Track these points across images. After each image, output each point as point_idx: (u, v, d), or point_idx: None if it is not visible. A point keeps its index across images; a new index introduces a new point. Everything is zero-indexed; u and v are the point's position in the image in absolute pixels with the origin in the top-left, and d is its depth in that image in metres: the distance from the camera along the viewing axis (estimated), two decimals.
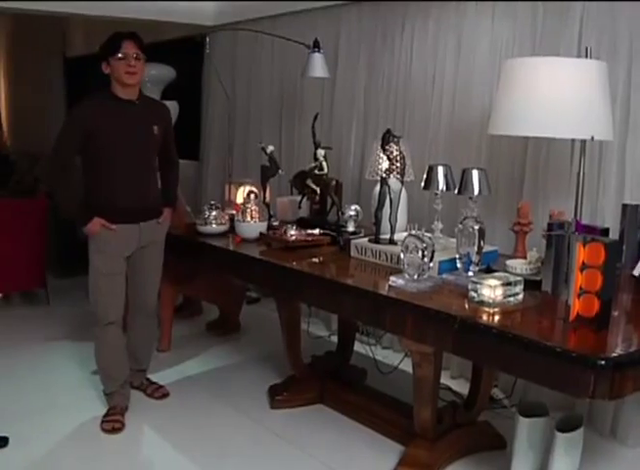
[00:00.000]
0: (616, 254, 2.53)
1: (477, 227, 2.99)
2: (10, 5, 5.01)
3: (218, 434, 3.60)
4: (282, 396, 3.86)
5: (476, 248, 2.99)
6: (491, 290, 2.71)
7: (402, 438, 3.38)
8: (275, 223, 4.06)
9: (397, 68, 4.52)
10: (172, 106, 5.18)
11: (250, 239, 3.91)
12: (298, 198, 4.20)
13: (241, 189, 4.51)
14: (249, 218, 3.93)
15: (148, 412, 3.77)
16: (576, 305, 2.51)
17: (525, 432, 3.03)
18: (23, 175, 8.04)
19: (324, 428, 3.63)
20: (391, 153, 3.44)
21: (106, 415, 3.63)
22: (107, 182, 3.50)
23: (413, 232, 3.00)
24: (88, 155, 3.51)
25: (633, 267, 2.97)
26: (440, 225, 3.46)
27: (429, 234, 3.06)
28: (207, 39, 5.33)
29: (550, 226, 3.07)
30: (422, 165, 3.80)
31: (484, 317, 2.65)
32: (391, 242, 3.43)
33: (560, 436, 2.90)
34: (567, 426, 2.93)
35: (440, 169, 3.42)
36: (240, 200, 4.36)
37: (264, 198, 4.15)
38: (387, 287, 3.02)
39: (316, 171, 4.00)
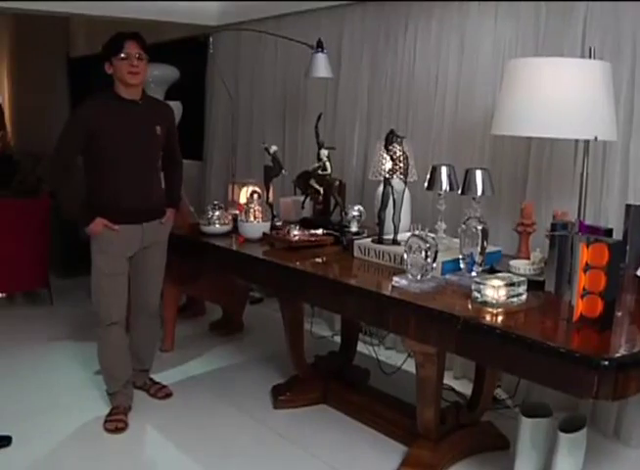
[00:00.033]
0: (619, 254, 2.53)
1: (480, 228, 2.99)
2: (10, 5, 5.01)
3: (221, 434, 3.60)
4: (285, 396, 3.86)
5: (479, 248, 2.99)
6: (495, 290, 2.71)
7: (405, 438, 3.38)
8: (278, 223, 4.06)
9: (400, 68, 4.52)
10: (176, 106, 5.19)
11: (253, 239, 3.91)
12: (302, 198, 4.20)
13: (244, 189, 4.51)
14: (252, 218, 3.93)
15: (151, 412, 3.77)
16: (580, 306, 2.51)
17: (529, 432, 3.02)
18: (27, 175, 8.05)
19: (327, 428, 3.63)
20: (395, 153, 3.44)
21: (109, 415, 3.64)
22: (109, 182, 3.50)
23: (416, 232, 3.00)
24: (91, 155, 3.51)
25: (637, 268, 2.96)
26: (444, 226, 3.46)
27: (432, 234, 3.05)
28: (211, 39, 5.32)
29: (553, 227, 3.06)
30: (425, 166, 3.79)
31: (488, 318, 2.65)
32: (395, 242, 3.43)
33: (563, 436, 2.89)
34: (570, 426, 2.93)
35: (444, 170, 3.42)
36: (243, 200, 4.37)
37: (267, 198, 4.16)
38: (390, 287, 3.02)
39: (319, 172, 4.00)
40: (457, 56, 4.17)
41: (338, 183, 4.05)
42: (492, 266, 3.16)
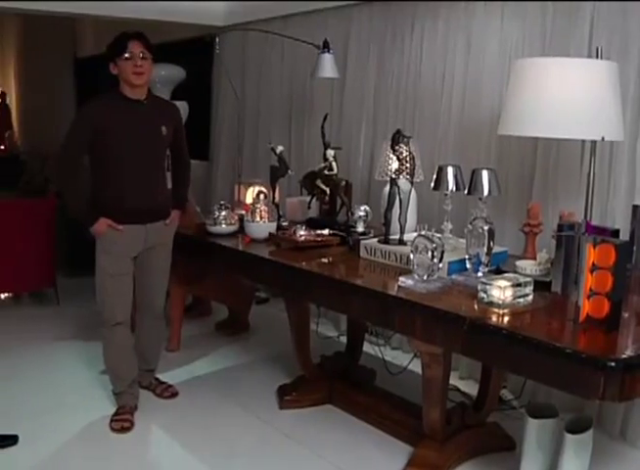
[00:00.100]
0: (626, 255, 2.52)
1: (486, 228, 2.98)
2: (17, 5, 5.03)
3: (227, 434, 3.60)
4: (291, 396, 3.86)
5: (485, 248, 2.98)
6: (501, 291, 2.71)
7: (411, 438, 3.37)
8: (284, 223, 4.06)
9: (407, 68, 4.52)
10: (182, 106, 5.20)
11: (259, 239, 3.91)
12: (308, 198, 4.20)
13: (250, 189, 4.51)
14: (258, 219, 3.93)
15: (157, 412, 3.78)
16: (586, 307, 2.50)
17: (535, 433, 3.02)
18: (33, 175, 8.08)
19: (333, 428, 3.63)
20: (401, 153, 3.44)
21: (115, 414, 3.64)
22: (114, 182, 3.51)
23: (422, 233, 3.00)
24: (96, 154, 3.52)
25: None
26: (450, 226, 3.46)
27: (438, 235, 3.05)
28: (217, 39, 5.33)
29: (560, 227, 3.06)
30: (431, 166, 3.80)
31: (494, 318, 2.64)
32: (401, 242, 3.43)
33: (569, 437, 2.89)
34: (576, 427, 2.92)
35: (450, 170, 3.41)
36: (249, 200, 4.37)
37: (274, 198, 4.16)
38: (396, 287, 3.02)
39: (326, 172, 4.00)
40: (463, 56, 4.16)
41: (344, 183, 4.04)
42: (499, 267, 3.16)
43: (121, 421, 3.59)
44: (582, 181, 3.47)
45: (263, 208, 3.95)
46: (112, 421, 3.60)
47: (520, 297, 2.75)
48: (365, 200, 4.56)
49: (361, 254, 3.53)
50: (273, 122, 5.70)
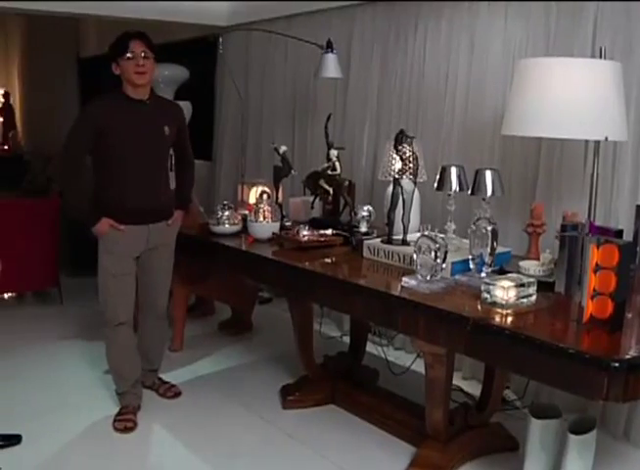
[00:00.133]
0: (630, 255, 2.52)
1: (490, 228, 2.98)
2: (20, 5, 5.04)
3: (230, 433, 3.60)
4: (294, 396, 3.86)
5: (489, 249, 2.98)
6: (504, 291, 2.71)
7: (414, 439, 3.37)
8: (288, 224, 4.06)
9: (410, 68, 4.51)
10: (185, 106, 5.21)
11: (262, 239, 3.91)
12: (311, 198, 4.20)
13: (253, 189, 4.52)
14: (261, 219, 3.93)
15: (160, 412, 3.78)
16: (590, 307, 2.50)
17: (538, 434, 3.02)
18: (37, 175, 8.07)
19: (336, 428, 3.63)
20: (404, 153, 3.44)
21: (118, 414, 3.65)
22: (116, 182, 3.51)
23: (426, 233, 3.00)
24: (98, 154, 3.52)
25: None
26: (453, 226, 3.46)
27: (441, 235, 3.05)
28: (221, 40, 5.33)
29: (563, 227, 3.06)
30: (435, 166, 3.79)
31: (497, 319, 2.64)
32: (404, 243, 3.42)
33: (573, 438, 2.88)
34: (580, 428, 2.92)
35: (453, 170, 3.41)
36: (252, 200, 4.37)
37: (277, 198, 4.16)
38: (399, 288, 3.02)
39: (329, 172, 4.00)
40: (467, 56, 4.16)
41: (347, 183, 4.05)
42: (502, 267, 3.16)
43: (125, 421, 3.59)
44: (586, 181, 3.47)
45: (266, 208, 3.95)
46: (115, 421, 3.61)
47: (523, 297, 2.75)
48: (368, 200, 4.56)
49: (364, 254, 3.53)
50: (276, 122, 5.70)
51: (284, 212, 4.16)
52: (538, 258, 3.21)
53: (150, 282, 3.74)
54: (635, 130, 3.40)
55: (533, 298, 2.77)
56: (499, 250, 3.10)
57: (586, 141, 3.48)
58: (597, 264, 2.48)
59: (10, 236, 5.16)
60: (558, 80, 3.03)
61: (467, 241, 3.12)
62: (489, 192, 3.10)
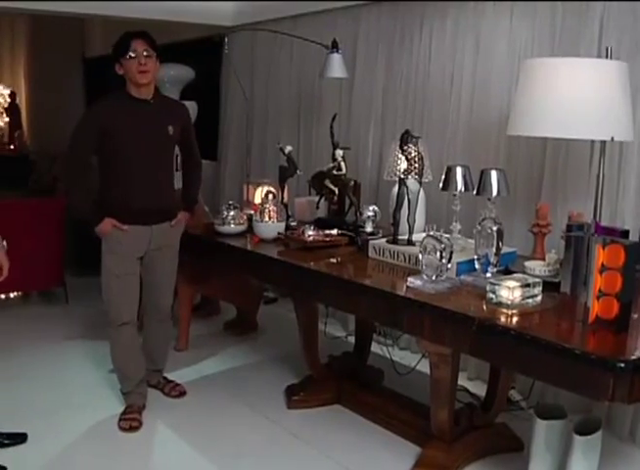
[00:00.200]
0: (636, 255, 2.50)
1: (495, 228, 2.97)
2: (26, 5, 5.05)
3: (235, 433, 3.60)
4: (299, 396, 3.86)
5: (494, 249, 2.98)
6: (510, 291, 2.70)
7: (419, 439, 3.37)
8: (293, 223, 4.06)
9: (416, 68, 4.51)
10: (191, 106, 5.20)
11: (267, 239, 3.91)
12: (316, 198, 4.20)
13: (259, 189, 4.51)
14: (267, 218, 3.93)
15: (165, 411, 3.78)
16: (595, 308, 2.49)
17: (543, 434, 3.01)
18: (42, 175, 8.10)
19: (341, 429, 3.63)
20: (410, 153, 3.44)
21: (123, 414, 3.65)
22: (120, 182, 3.51)
23: (431, 233, 3.00)
24: (102, 154, 3.53)
25: None
26: (459, 226, 3.45)
27: (447, 235, 3.05)
28: (226, 40, 5.33)
29: (569, 228, 3.05)
30: (440, 166, 3.79)
31: (503, 319, 2.64)
32: (409, 243, 3.42)
33: (578, 439, 2.88)
34: (585, 429, 2.91)
35: (459, 170, 3.41)
36: (258, 200, 4.37)
37: (282, 198, 4.16)
38: (404, 288, 3.01)
39: (334, 172, 4.00)
40: (472, 56, 4.16)
41: (352, 183, 4.04)
42: (507, 267, 3.15)
43: (130, 420, 3.60)
44: (591, 182, 3.46)
45: (272, 208, 3.95)
46: (120, 420, 3.61)
47: (528, 297, 2.74)
48: (374, 200, 4.55)
49: (370, 254, 3.53)
50: (282, 122, 5.70)
51: (289, 212, 4.16)
52: (544, 259, 3.21)
53: (153, 282, 3.74)
54: None
55: (539, 298, 2.77)
56: (504, 250, 3.09)
57: (592, 141, 3.47)
58: (603, 265, 2.47)
59: (15, 236, 5.12)
60: (564, 80, 3.02)
61: (472, 241, 3.11)
62: (495, 192, 3.09)
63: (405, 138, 3.45)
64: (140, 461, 3.37)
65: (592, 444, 2.90)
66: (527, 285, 2.75)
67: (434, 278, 2.96)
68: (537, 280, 2.80)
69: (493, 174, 3.11)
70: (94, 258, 3.64)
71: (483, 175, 3.13)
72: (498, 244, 2.98)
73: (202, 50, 6.61)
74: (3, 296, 5.70)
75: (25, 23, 10.44)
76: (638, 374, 2.24)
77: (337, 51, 4.44)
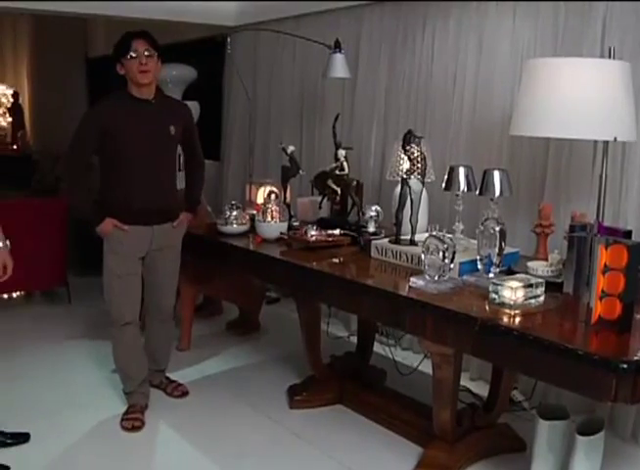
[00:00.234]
0: (638, 256, 2.50)
1: (498, 228, 2.97)
2: (28, 5, 5.05)
3: (237, 433, 3.60)
4: (301, 396, 3.86)
5: (497, 249, 2.98)
6: (512, 292, 2.70)
7: (421, 439, 3.37)
8: (295, 223, 4.06)
9: (418, 68, 4.51)
10: (193, 106, 5.21)
11: (270, 239, 3.91)
12: (319, 198, 4.20)
13: (261, 189, 4.52)
14: (269, 218, 3.93)
15: (167, 411, 3.78)
16: (598, 308, 2.49)
17: (546, 435, 3.01)
18: (45, 175, 8.11)
19: (343, 429, 3.63)
20: (412, 153, 3.44)
21: (125, 413, 3.65)
22: (120, 182, 3.51)
23: (434, 233, 3.00)
24: (103, 154, 3.53)
25: None
26: (461, 226, 3.45)
27: (449, 235, 3.05)
28: (229, 39, 5.34)
29: (572, 228, 3.05)
30: (443, 166, 3.78)
31: (505, 319, 2.64)
32: (412, 243, 3.42)
33: (580, 439, 2.88)
34: (587, 429, 2.91)
35: (461, 170, 3.41)
36: (260, 200, 4.37)
37: (285, 198, 4.16)
38: (407, 288, 3.01)
39: (337, 172, 4.00)
40: (475, 56, 4.15)
41: (355, 183, 4.04)
42: (510, 267, 3.15)
43: (132, 420, 3.60)
44: (594, 182, 3.45)
45: (274, 208, 3.95)
46: (122, 420, 3.61)
47: (531, 298, 2.74)
48: (376, 200, 4.55)
49: (372, 254, 3.53)
50: (284, 122, 5.70)
51: (292, 212, 4.16)
52: (546, 259, 3.20)
53: (155, 283, 3.74)
54: None
55: (541, 298, 2.77)
56: (507, 250, 3.09)
57: (595, 141, 3.47)
58: (605, 265, 2.47)
59: (18, 235, 5.12)
60: (566, 80, 3.02)
61: (475, 241, 3.11)
62: (497, 192, 3.09)
63: (408, 138, 3.45)
64: (142, 461, 3.37)
65: (595, 444, 2.90)
66: (530, 285, 2.75)
67: (436, 278, 2.96)
68: (540, 280, 2.80)
69: (496, 174, 3.11)
70: (97, 258, 3.64)
71: (486, 175, 3.13)
72: (501, 244, 2.98)
73: (204, 50, 6.61)
74: (6, 295, 5.71)
75: (28, 23, 10.45)
76: None
77: (339, 51, 4.44)
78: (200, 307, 5.15)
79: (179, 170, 3.86)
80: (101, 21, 8.12)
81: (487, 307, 2.75)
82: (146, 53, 3.42)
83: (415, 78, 4.54)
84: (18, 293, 5.86)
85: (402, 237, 3.48)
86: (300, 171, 4.14)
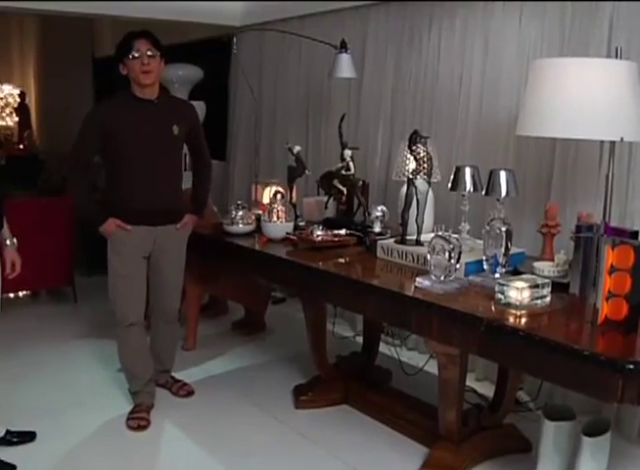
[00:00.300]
0: None
1: (504, 229, 2.97)
2: (34, 5, 5.06)
3: (243, 433, 3.61)
4: (307, 396, 3.86)
5: (503, 249, 2.97)
6: (518, 292, 2.70)
7: (427, 440, 3.37)
8: (301, 223, 4.06)
9: (424, 68, 4.51)
10: (199, 106, 5.21)
11: (276, 239, 3.92)
12: (325, 198, 4.20)
13: (267, 189, 4.52)
14: (275, 218, 3.93)
15: (173, 410, 3.79)
16: (605, 309, 2.49)
17: (552, 435, 3.00)
18: (51, 174, 8.13)
19: (348, 429, 3.63)
20: (418, 153, 3.43)
21: (131, 413, 3.66)
22: (123, 182, 3.51)
23: (440, 233, 2.99)
24: (107, 154, 3.54)
25: None
26: (467, 226, 3.45)
27: (455, 235, 3.04)
28: (235, 40, 5.34)
29: (578, 228, 3.04)
30: (449, 166, 3.78)
31: (511, 320, 2.63)
32: (418, 243, 3.42)
33: (586, 440, 2.87)
34: (593, 430, 2.91)
35: (468, 170, 3.40)
36: (266, 200, 4.37)
37: (291, 198, 4.16)
38: (413, 288, 3.01)
39: (343, 172, 4.00)
40: (481, 56, 4.15)
41: (361, 183, 4.04)
42: (516, 268, 3.15)
43: (138, 419, 3.60)
44: (601, 182, 3.45)
45: (280, 207, 3.95)
46: (128, 419, 3.62)
47: (537, 298, 2.73)
48: (382, 200, 4.55)
49: (378, 254, 3.53)
50: (290, 122, 5.70)
51: (298, 212, 4.16)
52: (553, 259, 3.20)
53: (160, 284, 3.74)
54: None
55: (548, 299, 2.76)
56: (513, 250, 3.09)
57: (601, 141, 3.46)
58: (612, 266, 2.46)
59: (25, 235, 5.14)
60: (573, 81, 3.01)
61: (481, 241, 3.11)
62: (504, 192, 3.09)
63: (414, 138, 3.44)
64: (148, 460, 3.38)
65: (601, 445, 2.90)
66: (536, 286, 2.74)
67: (442, 278, 2.95)
68: (546, 281, 2.79)
69: (502, 175, 3.10)
70: (103, 258, 3.64)
71: (492, 176, 3.12)
72: (507, 244, 2.97)
73: (210, 50, 6.62)
74: (12, 295, 5.71)
75: (35, 24, 10.48)
76: None
77: (345, 51, 4.43)
78: (205, 307, 5.15)
79: (185, 170, 3.86)
80: (107, 21, 8.14)
81: (493, 308, 2.74)
82: (148, 53, 3.42)
83: (421, 78, 4.53)
84: (24, 292, 5.88)
85: (408, 237, 3.47)
86: (306, 171, 4.14)
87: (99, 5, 5.22)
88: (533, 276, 2.88)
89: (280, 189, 4.20)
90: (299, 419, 3.73)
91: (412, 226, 3.46)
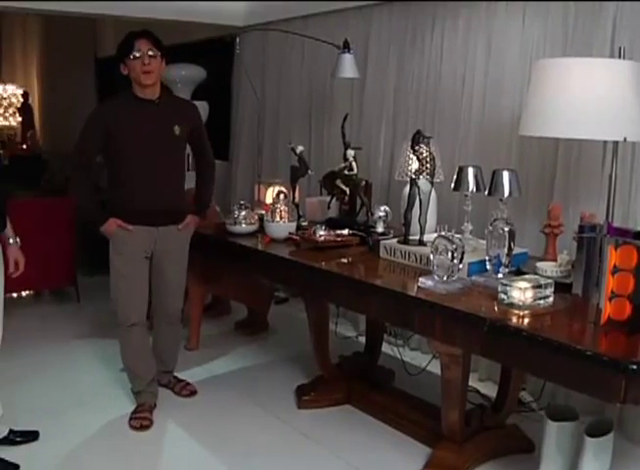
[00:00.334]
0: None
1: (507, 229, 2.97)
2: (37, 5, 5.07)
3: (245, 433, 3.61)
4: (309, 396, 3.86)
5: (506, 249, 2.97)
6: (521, 292, 2.70)
7: (429, 440, 3.37)
8: (304, 223, 4.07)
9: (427, 68, 4.50)
10: (202, 106, 5.22)
11: (279, 239, 3.92)
12: (328, 198, 4.20)
13: (270, 189, 4.52)
14: (278, 218, 3.93)
15: (176, 410, 3.79)
16: (608, 309, 2.48)
17: (554, 436, 3.00)
18: (54, 174, 8.14)
19: (351, 429, 3.63)
20: (421, 153, 3.43)
21: (134, 412, 3.66)
22: (124, 182, 3.51)
23: (443, 233, 2.99)
24: (108, 154, 3.54)
25: None
26: (470, 227, 3.45)
27: (458, 235, 3.05)
28: (238, 40, 5.34)
29: (581, 228, 3.03)
30: (452, 166, 3.78)
31: (514, 320, 2.63)
32: (421, 243, 3.42)
33: (589, 440, 2.87)
34: (596, 431, 2.90)
35: (470, 170, 3.40)
36: (269, 200, 4.38)
37: (293, 198, 4.16)
38: (415, 288, 3.01)
39: (346, 172, 4.00)
40: (484, 56, 4.15)
41: (364, 183, 4.04)
42: (519, 268, 3.15)
43: (140, 419, 3.61)
44: (604, 182, 3.44)
45: (283, 207, 3.95)
46: (131, 419, 3.62)
47: (540, 298, 2.73)
48: (385, 200, 4.55)
49: (381, 254, 3.53)
50: (293, 122, 5.70)
51: (300, 212, 4.16)
52: (556, 260, 3.20)
53: (162, 285, 3.73)
54: None
55: (550, 299, 2.76)
56: (516, 250, 3.09)
57: (604, 142, 3.45)
58: (615, 266, 2.46)
59: (28, 235, 5.14)
60: (576, 81, 3.01)
61: (484, 241, 3.11)
62: (506, 192, 3.09)
63: (417, 138, 3.44)
64: (150, 460, 3.38)
65: (603, 445, 2.89)
66: (539, 286, 2.74)
67: (445, 279, 2.95)
68: (549, 281, 2.79)
69: (505, 175, 3.10)
70: (105, 258, 3.65)
71: (495, 176, 3.12)
72: (510, 244, 2.97)
73: (213, 50, 6.62)
74: (15, 294, 5.72)
75: (38, 24, 10.50)
76: None
77: (348, 51, 4.43)
78: (208, 307, 5.15)
79: (188, 170, 3.85)
80: (110, 21, 8.15)
81: (496, 308, 2.74)
82: (149, 53, 3.42)
83: (424, 78, 4.53)
84: (27, 292, 5.89)
85: (411, 237, 3.47)
86: (309, 171, 4.15)
87: (101, 5, 5.22)
88: (536, 276, 2.88)
89: (283, 189, 4.20)
90: (302, 419, 3.73)
91: (415, 226, 3.46)
